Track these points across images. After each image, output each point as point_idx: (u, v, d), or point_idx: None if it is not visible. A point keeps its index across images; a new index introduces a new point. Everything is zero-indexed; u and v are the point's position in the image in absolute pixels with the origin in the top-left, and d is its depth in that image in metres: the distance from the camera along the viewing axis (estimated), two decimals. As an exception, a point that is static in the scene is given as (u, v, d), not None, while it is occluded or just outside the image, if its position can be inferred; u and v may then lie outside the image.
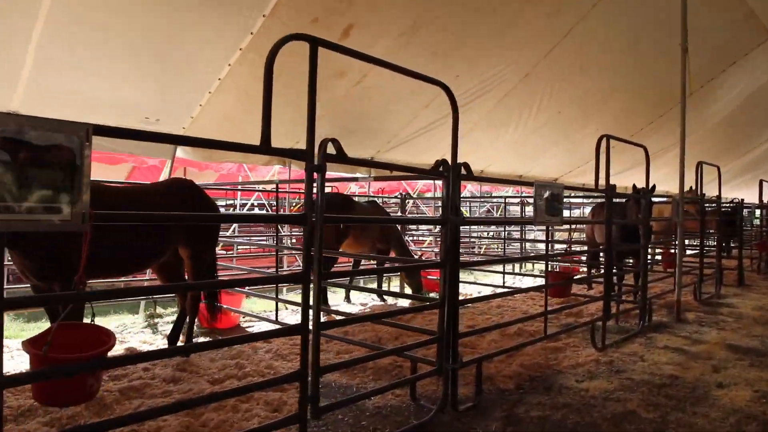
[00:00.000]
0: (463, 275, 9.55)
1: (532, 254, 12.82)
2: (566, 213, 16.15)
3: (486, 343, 5.54)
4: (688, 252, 12.72)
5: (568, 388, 4.36)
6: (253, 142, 2.88)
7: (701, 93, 11.57)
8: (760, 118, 15.44)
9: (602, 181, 5.78)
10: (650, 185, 7.14)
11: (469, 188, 18.14)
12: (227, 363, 4.70)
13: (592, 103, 10.26)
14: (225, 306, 5.96)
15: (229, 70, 5.65)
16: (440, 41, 6.70)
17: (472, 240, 15.23)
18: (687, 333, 6.33)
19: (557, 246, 12.09)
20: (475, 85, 7.96)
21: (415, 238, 14.42)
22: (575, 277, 8.23)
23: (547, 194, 4.54)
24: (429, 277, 8.71)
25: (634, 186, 7.25)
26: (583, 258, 10.03)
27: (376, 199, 10.25)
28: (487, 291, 8.53)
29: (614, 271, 6.68)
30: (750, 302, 8.44)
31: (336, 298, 8.47)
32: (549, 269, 8.01)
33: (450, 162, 3.83)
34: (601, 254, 8.53)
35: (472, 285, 9.62)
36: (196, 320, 5.31)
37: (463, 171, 3.81)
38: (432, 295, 8.58)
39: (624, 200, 7.88)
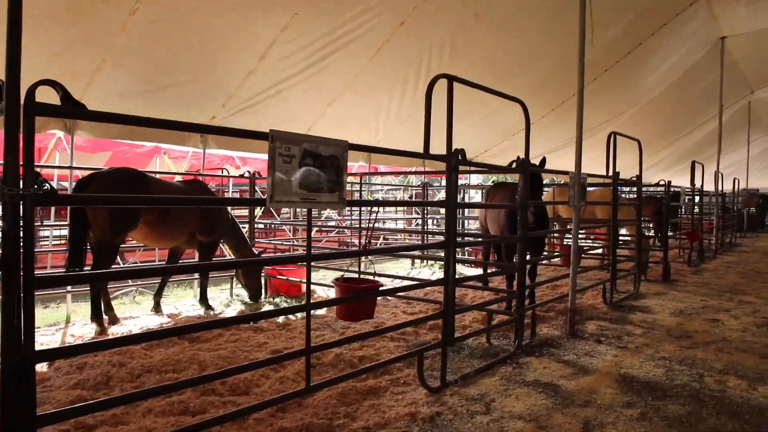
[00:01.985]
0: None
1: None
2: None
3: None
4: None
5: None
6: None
7: (626, 65, 9.98)
8: (699, 97, 14.10)
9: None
10: (541, 158, 5.44)
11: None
12: None
13: (509, 70, 8.52)
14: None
15: None
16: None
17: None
18: (575, 355, 4.64)
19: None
20: (328, 34, 6.06)
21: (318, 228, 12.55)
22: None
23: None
24: (283, 277, 6.83)
25: (518, 158, 5.50)
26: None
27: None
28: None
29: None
30: (670, 304, 6.88)
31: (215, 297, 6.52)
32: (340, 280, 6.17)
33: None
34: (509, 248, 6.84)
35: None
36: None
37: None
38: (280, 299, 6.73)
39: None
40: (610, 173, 6.67)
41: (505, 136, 10.82)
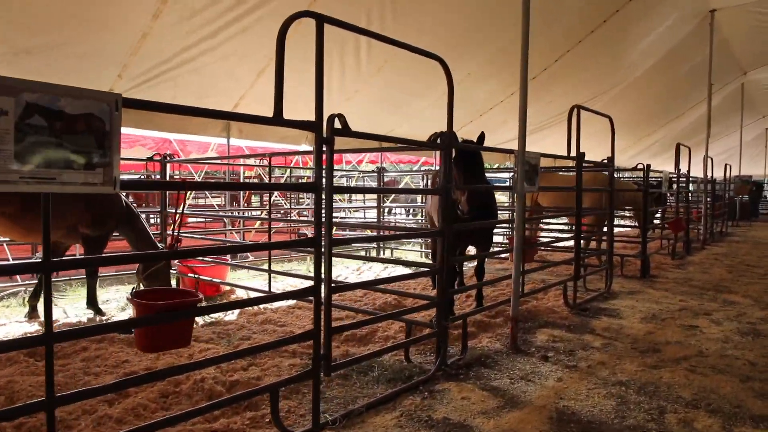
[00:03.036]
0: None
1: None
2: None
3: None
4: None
5: None
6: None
7: (604, 36, 8.91)
8: (688, 77, 13.04)
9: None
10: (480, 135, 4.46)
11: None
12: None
13: (466, 39, 7.46)
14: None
15: None
16: None
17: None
18: (509, 379, 3.67)
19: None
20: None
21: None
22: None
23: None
24: (195, 275, 5.84)
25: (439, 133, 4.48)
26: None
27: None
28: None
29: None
30: (644, 306, 5.91)
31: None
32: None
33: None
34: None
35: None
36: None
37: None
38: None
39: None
40: (573, 153, 5.66)
41: (474, 115, 9.79)
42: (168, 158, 6.15)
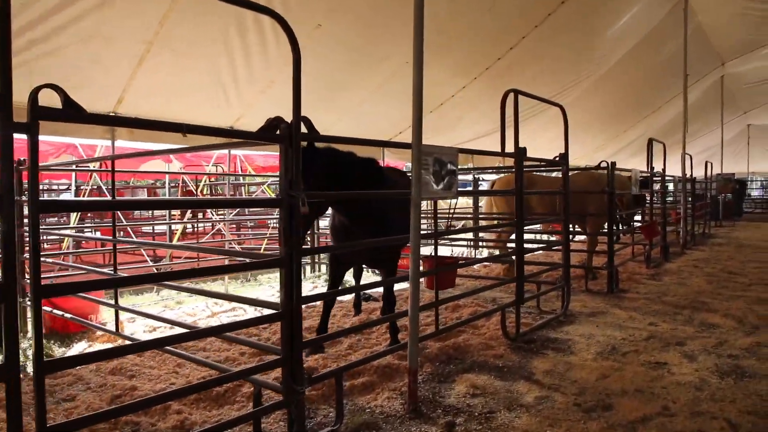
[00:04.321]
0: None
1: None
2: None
3: None
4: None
5: None
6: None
7: (567, 18, 7.84)
8: (664, 67, 12.02)
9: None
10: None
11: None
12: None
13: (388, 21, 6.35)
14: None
15: None
16: None
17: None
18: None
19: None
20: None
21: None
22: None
23: None
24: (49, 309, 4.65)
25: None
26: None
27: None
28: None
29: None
30: (604, 333, 4.78)
31: None
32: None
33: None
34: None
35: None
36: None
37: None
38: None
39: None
40: (509, 149, 4.53)
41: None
42: (21, 164, 4.95)
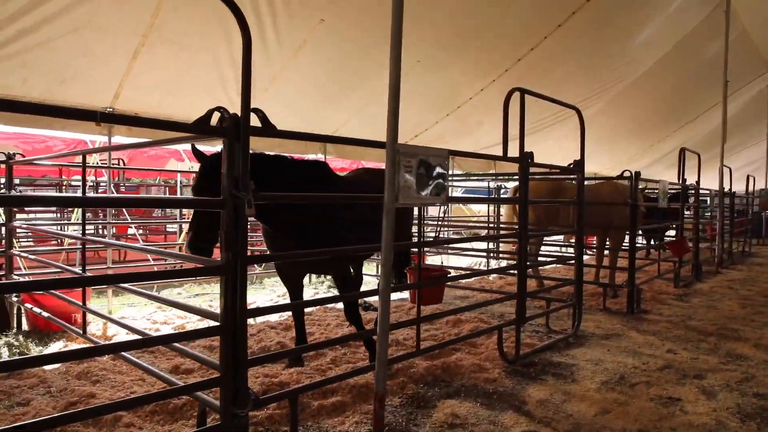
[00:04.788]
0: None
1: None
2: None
3: None
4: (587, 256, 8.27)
5: None
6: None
7: (594, 19, 7.35)
8: (703, 74, 11.29)
9: None
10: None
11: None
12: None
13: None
14: None
15: None
16: None
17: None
18: None
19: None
20: None
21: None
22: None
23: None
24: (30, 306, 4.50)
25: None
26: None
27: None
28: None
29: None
30: (615, 359, 4.31)
31: None
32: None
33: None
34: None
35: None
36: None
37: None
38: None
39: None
40: (513, 153, 4.13)
41: (438, 115, 8.26)
42: (11, 158, 4.84)
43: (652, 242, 9.63)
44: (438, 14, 6.15)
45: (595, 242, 7.76)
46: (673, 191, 9.98)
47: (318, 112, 7.15)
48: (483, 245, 8.60)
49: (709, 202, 13.31)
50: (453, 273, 5.16)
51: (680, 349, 4.68)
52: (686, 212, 10.11)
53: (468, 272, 5.75)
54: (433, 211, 11.64)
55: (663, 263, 8.43)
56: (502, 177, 8.64)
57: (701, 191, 9.68)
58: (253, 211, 2.32)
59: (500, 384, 3.69)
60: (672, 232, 10.55)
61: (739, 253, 12.27)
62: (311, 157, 7.83)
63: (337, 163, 14.28)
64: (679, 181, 7.65)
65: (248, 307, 2.41)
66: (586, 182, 8.24)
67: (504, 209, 8.97)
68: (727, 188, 10.85)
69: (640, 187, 6.79)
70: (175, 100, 5.88)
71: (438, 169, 3.36)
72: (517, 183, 8.15)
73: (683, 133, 14.02)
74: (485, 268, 8.29)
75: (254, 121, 2.47)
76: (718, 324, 5.58)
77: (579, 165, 4.94)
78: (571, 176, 5.41)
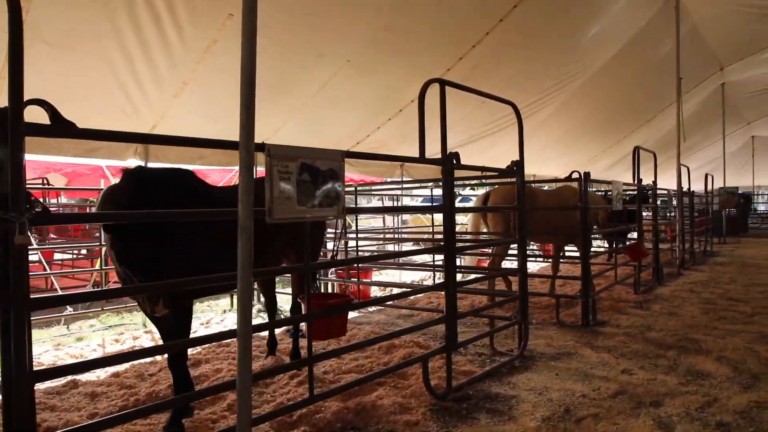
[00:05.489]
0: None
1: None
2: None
3: None
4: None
5: None
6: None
7: (538, 14, 6.92)
8: (657, 72, 11.03)
9: None
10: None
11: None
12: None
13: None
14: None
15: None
16: None
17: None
18: None
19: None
20: None
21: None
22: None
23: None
24: None
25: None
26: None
27: None
28: None
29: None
30: (563, 386, 3.74)
31: None
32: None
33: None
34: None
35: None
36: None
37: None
38: None
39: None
40: (434, 154, 3.57)
41: (380, 120, 7.69)
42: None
43: (614, 246, 9.21)
44: (365, 11, 5.59)
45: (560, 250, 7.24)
46: (628, 193, 9.62)
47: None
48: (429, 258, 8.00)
49: (668, 203, 13.08)
50: (384, 292, 4.56)
51: (636, 367, 4.14)
52: (645, 213, 9.76)
53: (383, 297, 5.13)
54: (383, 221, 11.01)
55: (625, 267, 7.99)
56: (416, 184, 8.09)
57: (660, 192, 9.33)
58: (28, 239, 1.66)
59: (423, 427, 3.07)
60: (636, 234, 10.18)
61: (701, 253, 12.00)
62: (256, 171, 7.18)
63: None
64: (634, 181, 7.22)
65: (36, 370, 1.74)
66: (546, 187, 7.73)
67: (469, 218, 8.35)
68: (685, 188, 10.56)
69: (603, 190, 6.33)
70: (71, 108, 5.16)
71: (329, 176, 2.76)
72: (488, 190, 7.54)
73: (642, 133, 13.81)
74: (429, 284, 7.70)
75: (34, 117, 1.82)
76: (678, 334, 5.09)
77: (518, 166, 4.40)
78: (510, 179, 4.87)
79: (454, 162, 3.63)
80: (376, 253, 8.21)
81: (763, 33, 10.73)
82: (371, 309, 6.50)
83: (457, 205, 14.38)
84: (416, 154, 3.95)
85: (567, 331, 5.34)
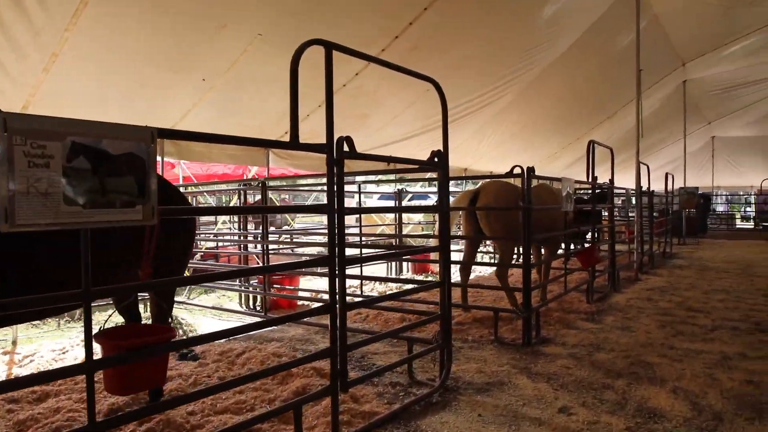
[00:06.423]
0: None
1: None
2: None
3: None
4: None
5: None
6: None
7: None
8: (618, 65, 10.44)
9: None
10: None
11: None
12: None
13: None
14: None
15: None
16: None
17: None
18: None
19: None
20: None
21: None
22: None
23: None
24: None
25: None
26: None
27: None
28: None
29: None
30: (484, 429, 2.96)
31: None
32: None
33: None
34: None
35: None
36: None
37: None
38: None
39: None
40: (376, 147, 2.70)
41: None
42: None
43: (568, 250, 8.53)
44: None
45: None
46: (582, 191, 9.00)
47: (142, 101, 5.52)
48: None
49: (627, 202, 12.57)
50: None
51: (578, 404, 3.38)
52: (604, 214, 9.16)
53: (218, 332, 4.24)
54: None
55: (581, 272, 7.32)
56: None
57: (618, 191, 8.71)
58: None
59: None
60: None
61: (660, 254, 11.51)
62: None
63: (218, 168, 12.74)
64: (588, 178, 6.51)
65: None
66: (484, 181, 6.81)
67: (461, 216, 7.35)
68: (645, 187, 10.00)
69: (572, 188, 5.59)
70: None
71: (126, 163, 1.87)
72: (473, 188, 6.49)
73: (603, 129, 13.27)
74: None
75: None
76: (630, 356, 4.37)
77: (440, 158, 3.57)
78: (432, 174, 4.06)
79: (345, 150, 2.77)
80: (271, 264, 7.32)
81: (725, 28, 10.26)
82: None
83: (416, 203, 13.45)
84: (360, 145, 3.12)
85: (505, 351, 4.57)
